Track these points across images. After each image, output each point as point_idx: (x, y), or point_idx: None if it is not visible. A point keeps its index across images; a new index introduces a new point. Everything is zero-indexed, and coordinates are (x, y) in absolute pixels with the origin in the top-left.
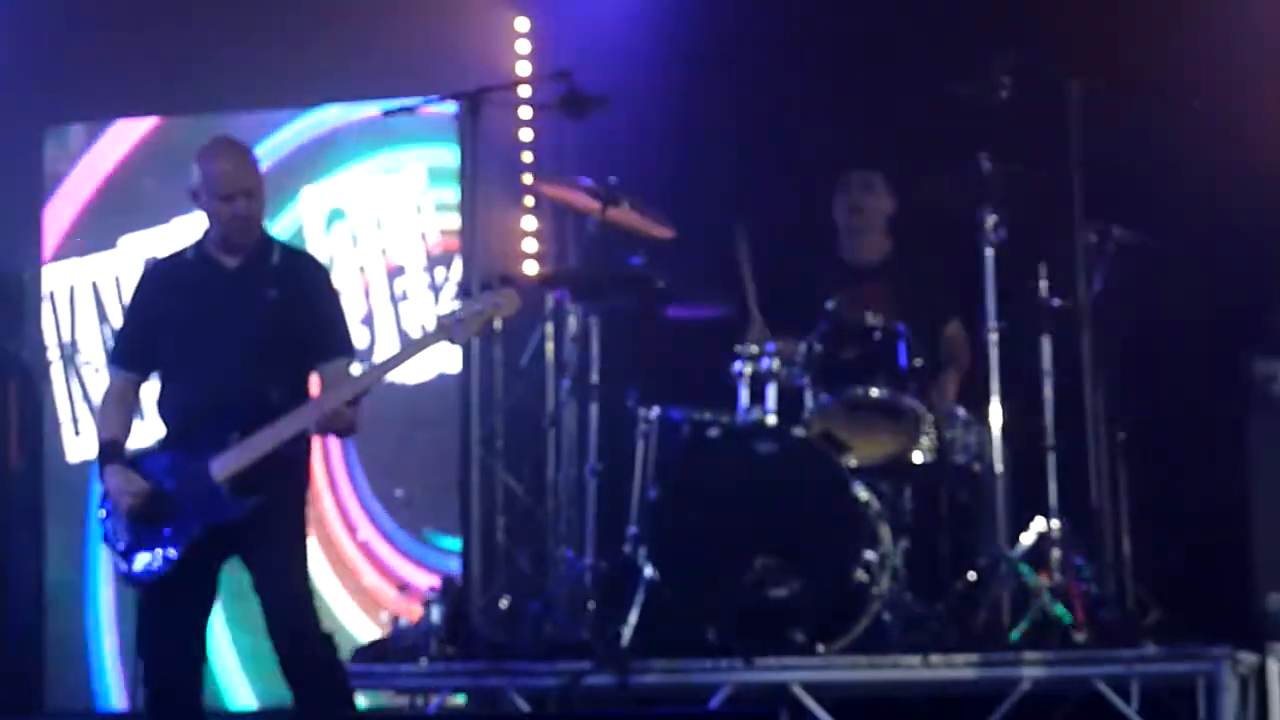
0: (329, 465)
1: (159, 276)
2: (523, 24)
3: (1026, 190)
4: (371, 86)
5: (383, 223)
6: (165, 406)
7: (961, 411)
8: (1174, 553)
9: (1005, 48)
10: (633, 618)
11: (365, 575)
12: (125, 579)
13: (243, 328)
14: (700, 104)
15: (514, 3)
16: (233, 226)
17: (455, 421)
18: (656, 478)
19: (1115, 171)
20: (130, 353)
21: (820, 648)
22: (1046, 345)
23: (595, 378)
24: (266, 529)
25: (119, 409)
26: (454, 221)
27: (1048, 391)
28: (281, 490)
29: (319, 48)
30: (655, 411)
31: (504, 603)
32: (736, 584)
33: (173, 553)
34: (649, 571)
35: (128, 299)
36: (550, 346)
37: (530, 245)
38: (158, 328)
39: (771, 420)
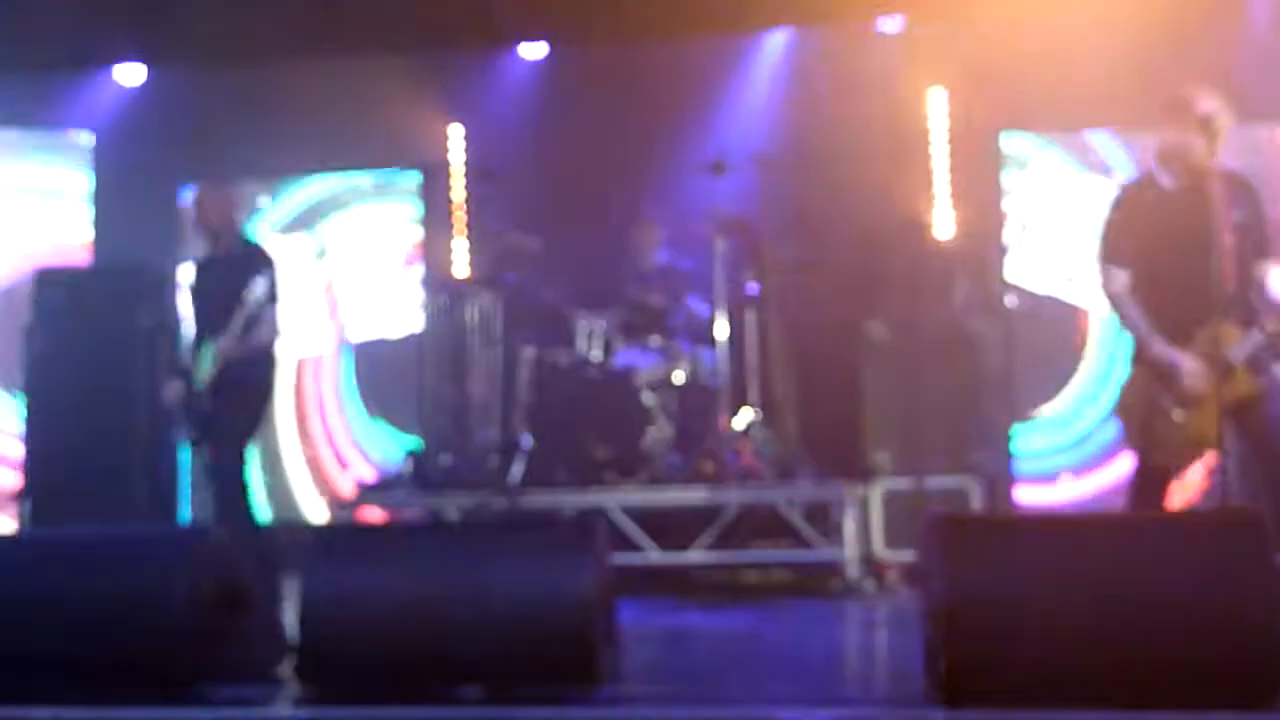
0: (320, 386)
1: (195, 268)
2: (456, 129)
3: (742, 228)
4: (367, 159)
5: (375, 241)
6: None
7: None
8: (822, 429)
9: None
10: (518, 468)
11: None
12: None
13: (222, 294)
14: (558, 174)
15: (451, 114)
16: (204, 227)
17: (417, 358)
18: (531, 389)
19: (791, 217)
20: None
21: (624, 484)
22: (751, 316)
23: (499, 333)
24: (222, 423)
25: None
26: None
27: (752, 339)
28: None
29: (336, 137)
30: (531, 351)
31: (444, 459)
32: (577, 448)
33: (193, 434)
34: (527, 441)
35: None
36: (473, 315)
37: (462, 258)
38: (194, 300)
39: (597, 356)
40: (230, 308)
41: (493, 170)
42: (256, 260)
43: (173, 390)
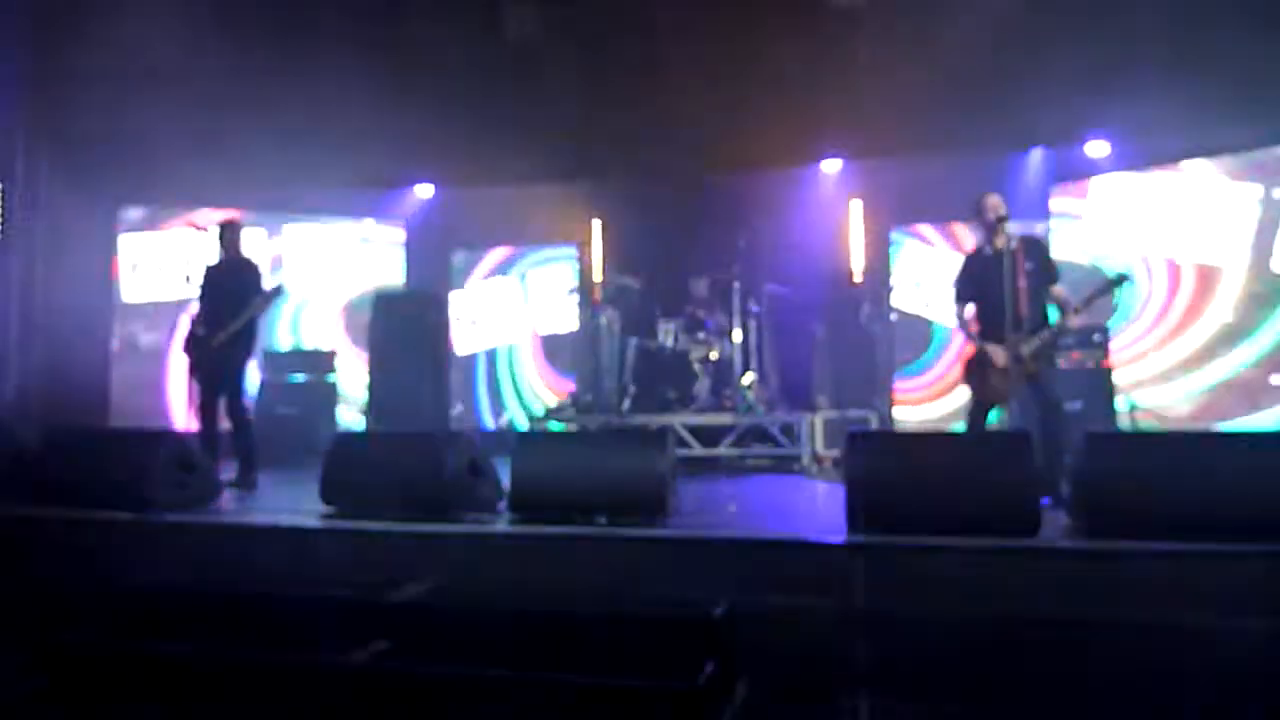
0: (523, 355)
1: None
2: (597, 222)
3: (748, 275)
4: (552, 238)
5: (553, 279)
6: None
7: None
8: (790, 384)
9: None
10: (627, 404)
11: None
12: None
13: (227, 291)
14: (650, 247)
15: (594, 212)
16: (219, 252)
17: (574, 343)
18: (634, 360)
19: (775, 270)
20: None
21: (683, 411)
22: (752, 323)
23: (617, 330)
24: (227, 363)
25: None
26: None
27: (752, 336)
28: (235, 347)
29: (532, 225)
30: (634, 340)
31: (588, 396)
32: (657, 392)
33: (204, 368)
34: (632, 389)
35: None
36: (603, 320)
37: (598, 289)
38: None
39: (669, 343)
40: (234, 302)
41: (614, 243)
42: (251, 269)
43: (188, 352)
